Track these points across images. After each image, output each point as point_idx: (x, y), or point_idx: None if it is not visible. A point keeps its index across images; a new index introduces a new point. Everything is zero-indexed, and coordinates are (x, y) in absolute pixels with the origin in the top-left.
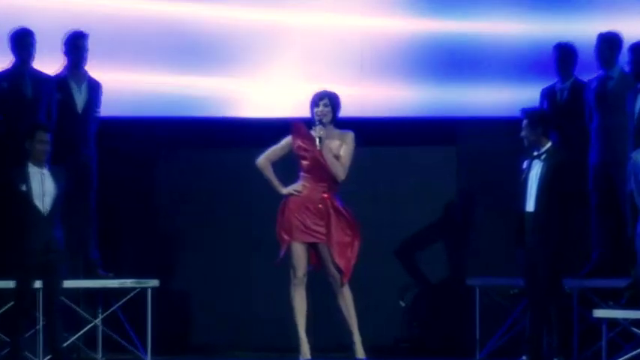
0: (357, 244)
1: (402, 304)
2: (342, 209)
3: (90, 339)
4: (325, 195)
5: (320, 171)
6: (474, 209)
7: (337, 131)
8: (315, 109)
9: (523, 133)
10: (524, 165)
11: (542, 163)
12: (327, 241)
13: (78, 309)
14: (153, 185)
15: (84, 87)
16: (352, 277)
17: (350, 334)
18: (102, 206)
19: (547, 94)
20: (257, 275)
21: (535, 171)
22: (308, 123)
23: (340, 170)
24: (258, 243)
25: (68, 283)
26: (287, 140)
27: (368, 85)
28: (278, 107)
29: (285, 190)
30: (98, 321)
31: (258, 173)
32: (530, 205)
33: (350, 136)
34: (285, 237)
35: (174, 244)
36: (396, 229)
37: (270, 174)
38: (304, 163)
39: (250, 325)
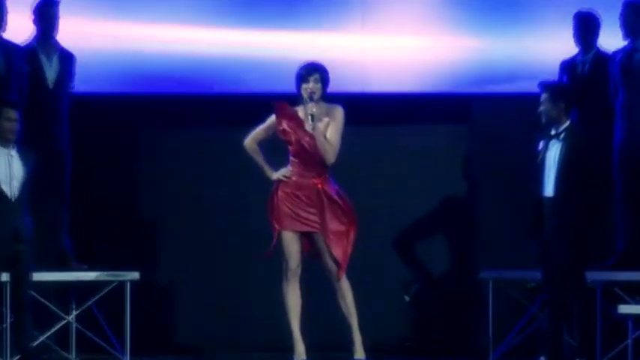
0: (353, 232)
1: (407, 298)
2: (335, 196)
3: (62, 337)
4: (316, 181)
5: (309, 154)
6: (486, 194)
7: (325, 107)
8: (304, 86)
9: (542, 108)
10: (540, 145)
11: (561, 143)
12: (322, 231)
13: (49, 304)
14: (132, 168)
15: (55, 59)
16: (352, 270)
17: (349, 332)
18: (76, 191)
19: (567, 67)
20: (247, 267)
21: (553, 152)
22: (289, 100)
23: (330, 152)
24: (249, 232)
25: (38, 276)
26: (272, 119)
27: (370, 57)
28: (273, 80)
29: (274, 176)
30: (71, 318)
31: (248, 155)
32: (548, 190)
33: (338, 111)
34: (276, 226)
35: (155, 233)
36: (400, 217)
37: (258, 157)
38: (292, 148)
39: (240, 322)
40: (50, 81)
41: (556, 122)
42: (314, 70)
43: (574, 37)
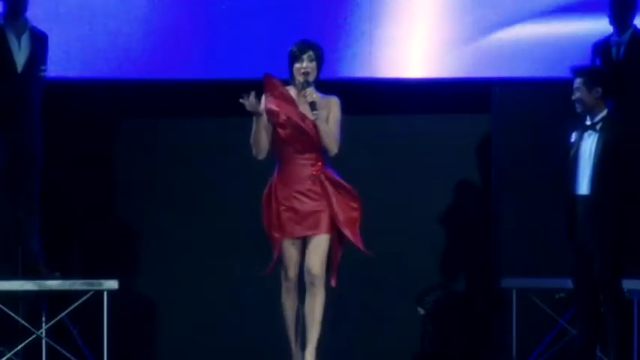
0: (359, 217)
1: (421, 311)
2: (338, 179)
3: (31, 353)
4: (314, 168)
5: (303, 137)
6: (511, 192)
7: (319, 97)
8: (297, 65)
9: (577, 96)
10: (573, 137)
11: (597, 135)
12: (332, 223)
13: (16, 317)
14: (109, 163)
15: (25, 39)
16: (358, 280)
17: (304, 346)
18: (46, 189)
19: (600, 50)
20: (238, 275)
21: (588, 145)
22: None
23: (334, 143)
24: (240, 235)
25: (4, 285)
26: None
27: (378, 41)
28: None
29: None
30: (42, 331)
31: (239, 148)
32: (583, 187)
33: (336, 102)
34: (276, 235)
35: (136, 237)
36: (413, 218)
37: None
38: (281, 132)
39: (230, 336)
40: (19, 65)
41: (591, 111)
42: (307, 47)
43: (608, 15)
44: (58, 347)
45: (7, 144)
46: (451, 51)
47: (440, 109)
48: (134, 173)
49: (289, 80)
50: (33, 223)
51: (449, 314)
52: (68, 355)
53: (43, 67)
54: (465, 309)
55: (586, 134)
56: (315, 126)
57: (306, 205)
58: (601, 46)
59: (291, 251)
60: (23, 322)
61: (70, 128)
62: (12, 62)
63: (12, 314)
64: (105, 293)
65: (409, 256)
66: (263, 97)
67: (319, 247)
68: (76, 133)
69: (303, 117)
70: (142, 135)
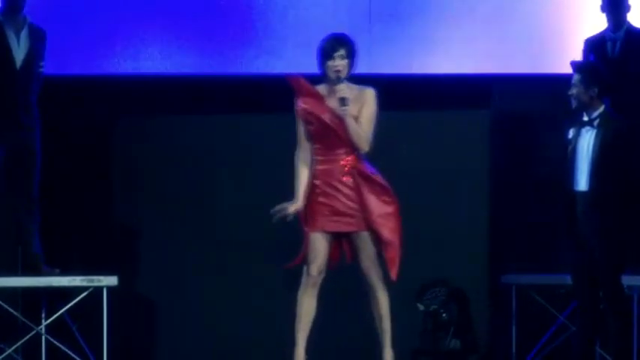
0: (398, 212)
1: (421, 307)
2: (370, 173)
3: (31, 350)
4: (344, 162)
5: (333, 133)
6: (510, 189)
7: (355, 89)
8: (329, 63)
9: (574, 91)
10: (570, 134)
11: (595, 131)
12: (365, 220)
13: (16, 313)
14: (108, 161)
15: (24, 36)
16: (357, 277)
17: (380, 350)
18: (45, 187)
19: (595, 46)
20: (238, 274)
21: (586, 140)
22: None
23: (364, 140)
24: (240, 234)
25: (4, 281)
26: (296, 109)
27: (378, 36)
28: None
29: (292, 208)
30: (41, 328)
31: (240, 146)
32: (581, 183)
33: (370, 94)
34: (306, 228)
35: (135, 233)
36: (412, 214)
37: (299, 177)
38: (312, 129)
39: (229, 334)
40: (18, 61)
41: (588, 107)
42: (339, 45)
43: (603, 10)
44: (58, 344)
45: (7, 142)
46: (450, 47)
47: (439, 105)
48: (134, 171)
49: (321, 76)
50: (33, 222)
51: (448, 311)
52: (68, 351)
53: (41, 64)
54: (464, 306)
55: (583, 130)
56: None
57: (340, 200)
58: (596, 42)
59: (318, 245)
60: (23, 318)
61: (70, 126)
62: (11, 59)
63: (12, 311)
64: (104, 290)
65: (408, 252)
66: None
67: (366, 247)
68: (75, 131)
69: (333, 114)
70: (142, 133)
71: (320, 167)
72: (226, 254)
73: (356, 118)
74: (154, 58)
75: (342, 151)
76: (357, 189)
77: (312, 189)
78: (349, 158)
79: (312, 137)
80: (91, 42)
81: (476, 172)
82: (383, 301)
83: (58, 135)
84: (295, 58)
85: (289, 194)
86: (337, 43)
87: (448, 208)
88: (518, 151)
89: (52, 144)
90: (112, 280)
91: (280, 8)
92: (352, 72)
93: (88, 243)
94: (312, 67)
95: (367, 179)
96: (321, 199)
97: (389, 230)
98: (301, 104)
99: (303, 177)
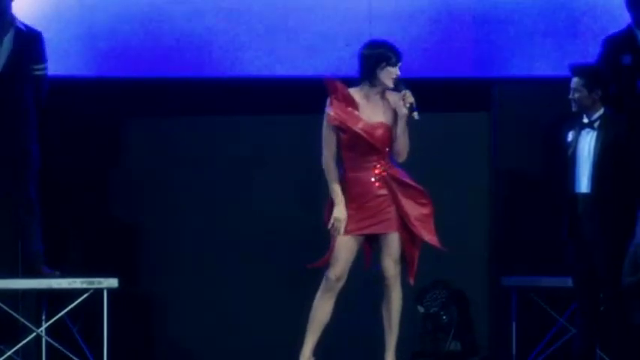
0: (433, 214)
1: (421, 309)
2: (404, 179)
3: (31, 352)
4: (377, 169)
5: (365, 142)
6: (510, 190)
7: (393, 96)
8: (392, 69)
9: (575, 96)
10: (570, 136)
11: (596, 133)
12: (403, 223)
13: (16, 315)
14: (109, 162)
15: (8, 38)
16: (356, 277)
17: (384, 352)
18: (45, 188)
19: (623, 43)
20: (239, 275)
21: (587, 142)
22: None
23: (406, 150)
24: (241, 235)
25: (4, 283)
26: (326, 126)
27: (378, 36)
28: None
29: (342, 218)
30: (42, 330)
31: (241, 147)
32: (583, 185)
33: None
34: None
35: (136, 234)
36: None
37: (338, 186)
38: (344, 136)
39: (230, 335)
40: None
41: (588, 110)
42: (401, 56)
43: (629, 8)
44: (58, 346)
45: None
46: (450, 49)
47: (439, 107)
48: (135, 172)
49: (358, 79)
50: (32, 223)
51: (449, 313)
52: (68, 353)
53: (37, 67)
54: (464, 307)
55: (584, 132)
56: (385, 130)
57: (372, 204)
58: (624, 39)
59: (342, 250)
60: (23, 320)
61: (70, 127)
62: None
63: (12, 312)
64: (105, 291)
65: None
66: (328, 102)
67: (392, 246)
68: (76, 132)
69: (366, 123)
70: (142, 134)
71: (351, 174)
72: (227, 256)
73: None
74: (156, 60)
75: (374, 158)
76: (391, 194)
77: (347, 194)
78: (380, 165)
79: (342, 144)
80: (91, 43)
81: (476, 174)
82: (396, 302)
83: (58, 136)
84: (296, 60)
85: (289, 194)
86: (400, 54)
87: (448, 210)
88: (518, 154)
89: (52, 145)
90: (112, 282)
91: (281, 9)
92: (354, 74)
93: (88, 245)
94: (312, 69)
95: (401, 184)
96: (351, 205)
97: (427, 232)
98: (335, 111)
99: (338, 182)
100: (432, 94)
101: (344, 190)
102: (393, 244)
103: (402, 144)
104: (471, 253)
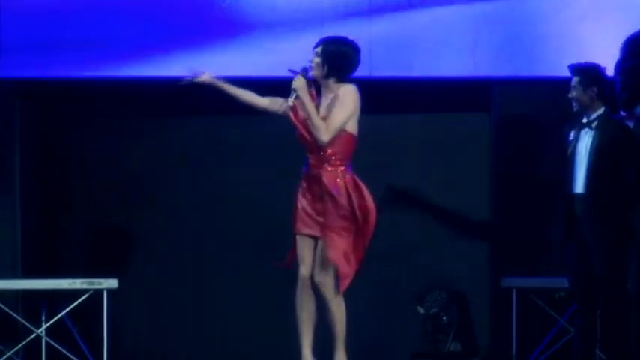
0: (361, 239)
1: (421, 310)
2: (332, 189)
3: (31, 352)
4: (316, 171)
5: (310, 139)
6: (511, 191)
7: (334, 86)
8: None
9: (574, 94)
10: (570, 136)
11: (593, 133)
12: (322, 230)
13: (16, 315)
14: (109, 163)
15: None
16: (357, 279)
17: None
18: (45, 190)
19: None
20: (238, 275)
21: (584, 142)
22: None
23: (321, 130)
24: (240, 235)
25: (4, 284)
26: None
27: (378, 36)
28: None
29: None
30: (42, 330)
31: (240, 147)
32: (579, 186)
33: (345, 89)
34: (293, 229)
35: (135, 236)
36: (412, 217)
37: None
38: (296, 132)
39: (231, 337)
40: None
41: (589, 109)
42: (318, 43)
43: None
44: (58, 346)
45: None
46: (450, 49)
47: (440, 108)
48: (134, 173)
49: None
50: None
51: (449, 314)
52: (68, 354)
53: None
54: (464, 308)
55: (583, 132)
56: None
57: (310, 205)
58: None
59: (300, 247)
60: (23, 320)
61: (69, 129)
62: None
63: (12, 313)
64: (105, 292)
65: (409, 255)
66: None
67: (318, 251)
68: (75, 133)
69: (303, 116)
70: (141, 135)
71: (304, 170)
72: (227, 256)
73: (326, 109)
74: (153, 61)
75: (316, 158)
76: (321, 199)
77: (300, 190)
78: (321, 168)
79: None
80: (91, 44)
81: (476, 174)
82: (338, 314)
83: (57, 138)
84: (294, 59)
85: (290, 195)
86: (318, 41)
87: (448, 211)
88: (518, 154)
89: (51, 147)
90: (112, 283)
91: (279, 9)
92: (354, 75)
93: (88, 245)
94: None
95: (328, 194)
96: (302, 202)
97: (333, 250)
98: (292, 102)
99: (246, 92)
100: (432, 95)
101: (302, 185)
102: (318, 248)
103: (310, 127)
104: (471, 254)
